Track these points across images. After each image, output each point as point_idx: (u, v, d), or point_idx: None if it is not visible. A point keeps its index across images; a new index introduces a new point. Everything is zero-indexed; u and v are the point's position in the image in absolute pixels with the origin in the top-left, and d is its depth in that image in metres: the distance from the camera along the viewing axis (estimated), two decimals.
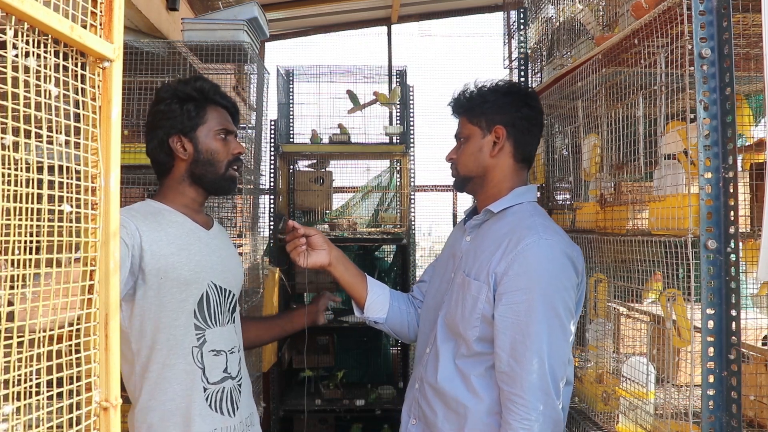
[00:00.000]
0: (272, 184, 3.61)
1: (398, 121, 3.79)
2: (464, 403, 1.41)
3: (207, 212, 1.63)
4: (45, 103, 0.65)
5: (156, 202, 1.49)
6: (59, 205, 0.68)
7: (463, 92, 1.57)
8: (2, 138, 0.59)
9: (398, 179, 3.94)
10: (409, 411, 1.57)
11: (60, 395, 0.68)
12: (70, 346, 0.71)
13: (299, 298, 3.84)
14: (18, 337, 0.60)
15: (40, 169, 0.64)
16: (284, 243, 1.61)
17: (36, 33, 0.63)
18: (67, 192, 0.69)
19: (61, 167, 0.67)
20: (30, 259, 0.64)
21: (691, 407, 1.35)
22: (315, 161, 3.89)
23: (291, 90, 3.86)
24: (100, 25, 0.73)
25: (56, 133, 0.67)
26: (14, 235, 0.62)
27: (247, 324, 1.71)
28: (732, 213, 1.21)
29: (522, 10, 2.71)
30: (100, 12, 0.73)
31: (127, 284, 1.35)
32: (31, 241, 0.65)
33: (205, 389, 1.43)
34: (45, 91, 0.65)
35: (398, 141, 3.67)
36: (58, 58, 0.68)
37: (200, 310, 1.44)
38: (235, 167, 1.54)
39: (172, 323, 1.39)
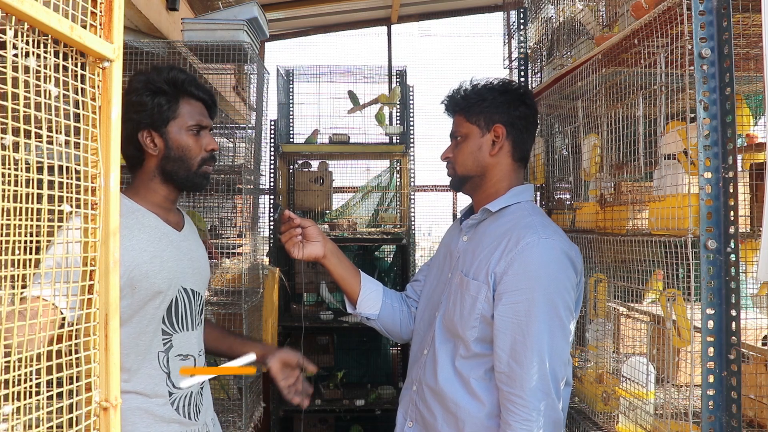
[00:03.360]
0: (272, 184, 3.61)
1: (398, 121, 3.79)
2: (464, 406, 1.40)
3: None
4: (45, 103, 0.65)
5: (128, 200, 1.42)
6: (59, 205, 0.68)
7: (458, 90, 1.55)
8: (2, 138, 0.59)
9: (398, 179, 3.94)
10: (406, 413, 1.55)
11: (60, 395, 0.68)
12: (70, 346, 0.71)
13: (299, 298, 3.84)
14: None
15: (40, 169, 0.64)
16: (280, 233, 1.59)
17: (36, 33, 0.63)
18: (67, 192, 0.69)
19: (61, 167, 0.67)
20: (30, 259, 0.64)
21: (691, 407, 1.35)
22: (307, 161, 3.90)
23: (291, 90, 3.87)
24: (100, 25, 0.73)
25: (56, 133, 0.67)
26: (14, 235, 0.62)
27: (207, 328, 1.64)
28: (732, 213, 1.21)
29: (522, 10, 2.71)
30: (100, 12, 0.73)
31: None
32: (31, 241, 0.65)
33: (171, 393, 1.40)
34: (45, 91, 0.65)
35: (398, 141, 3.68)
36: (58, 58, 0.68)
37: (168, 316, 1.41)
38: (210, 164, 1.48)
39: (143, 330, 1.37)
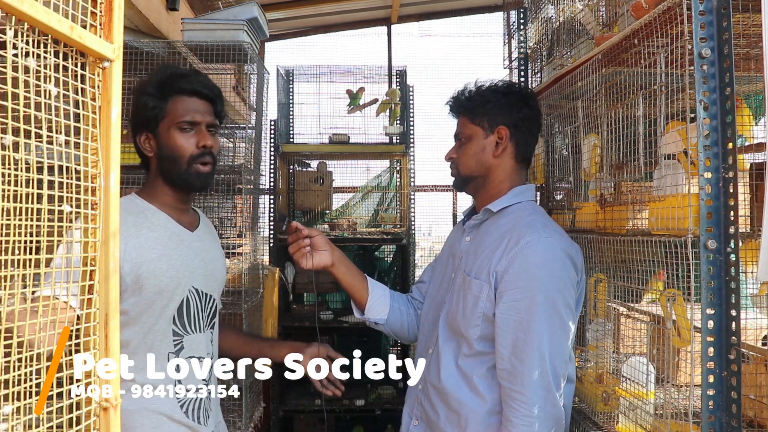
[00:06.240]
0: (272, 184, 3.61)
1: (398, 121, 3.79)
2: (467, 403, 1.42)
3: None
4: (45, 103, 0.65)
5: (140, 200, 1.42)
6: (59, 205, 0.68)
7: (462, 92, 1.56)
8: (2, 138, 0.59)
9: (398, 179, 3.94)
10: (411, 411, 1.57)
11: (60, 395, 0.68)
12: (70, 346, 0.71)
13: (299, 298, 3.84)
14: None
15: (40, 169, 0.64)
16: (287, 244, 1.59)
17: (36, 33, 0.63)
18: (67, 192, 0.69)
19: (61, 167, 0.67)
20: (30, 259, 0.64)
21: (691, 407, 1.35)
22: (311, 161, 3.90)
23: (291, 90, 3.87)
24: (100, 25, 0.73)
25: (56, 133, 0.67)
26: (14, 235, 0.62)
27: (226, 332, 1.63)
28: (732, 213, 1.21)
29: (522, 10, 2.72)
30: (100, 12, 0.73)
31: None
32: (31, 241, 0.65)
33: (180, 396, 1.38)
34: (45, 91, 0.65)
35: (398, 141, 3.68)
36: (58, 58, 0.68)
37: (179, 316, 1.39)
38: (204, 162, 1.41)
39: (150, 328, 1.35)
